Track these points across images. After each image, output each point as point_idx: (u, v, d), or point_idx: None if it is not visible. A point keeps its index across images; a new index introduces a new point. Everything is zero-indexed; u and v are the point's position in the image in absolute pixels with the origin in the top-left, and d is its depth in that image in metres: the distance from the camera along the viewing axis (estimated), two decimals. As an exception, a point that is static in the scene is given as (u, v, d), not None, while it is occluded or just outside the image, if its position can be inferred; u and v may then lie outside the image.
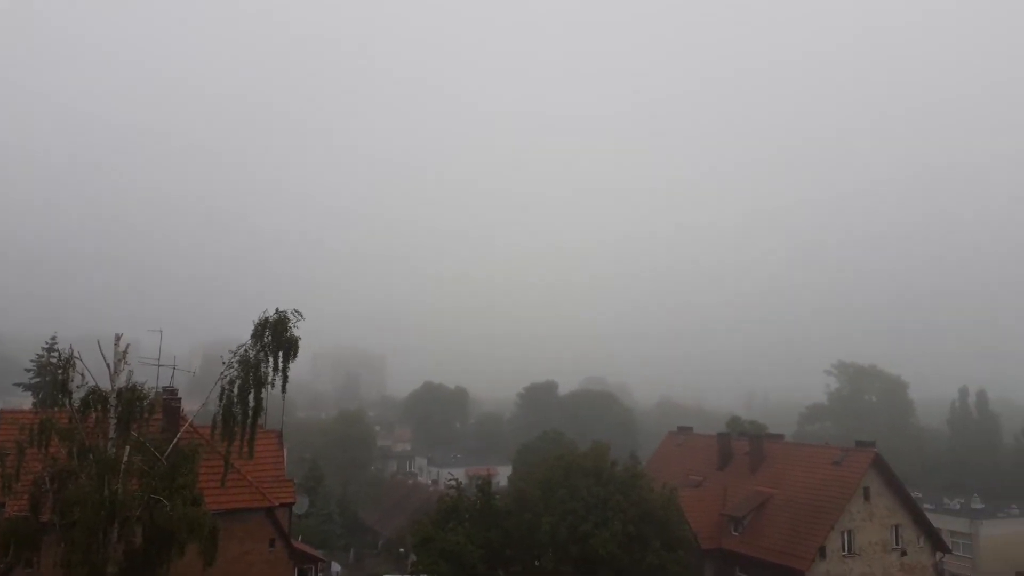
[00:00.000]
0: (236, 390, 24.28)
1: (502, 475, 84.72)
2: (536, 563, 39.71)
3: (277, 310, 24.65)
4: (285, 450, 40.38)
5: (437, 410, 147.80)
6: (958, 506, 71.79)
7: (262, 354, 24.48)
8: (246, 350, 24.44)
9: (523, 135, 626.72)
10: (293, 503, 36.06)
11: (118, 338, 24.56)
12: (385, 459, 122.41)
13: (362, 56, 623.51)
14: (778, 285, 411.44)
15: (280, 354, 24.62)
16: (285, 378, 24.95)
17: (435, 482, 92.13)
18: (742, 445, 54.04)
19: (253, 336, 24.62)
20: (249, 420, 24.19)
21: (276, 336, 24.44)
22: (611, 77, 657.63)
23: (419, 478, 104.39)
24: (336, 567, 60.49)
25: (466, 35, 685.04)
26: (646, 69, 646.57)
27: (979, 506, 71.92)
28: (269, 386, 24.60)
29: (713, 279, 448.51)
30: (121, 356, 24.24)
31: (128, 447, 22.86)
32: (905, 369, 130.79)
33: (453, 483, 44.33)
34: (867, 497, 44.62)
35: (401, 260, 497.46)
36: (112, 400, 23.21)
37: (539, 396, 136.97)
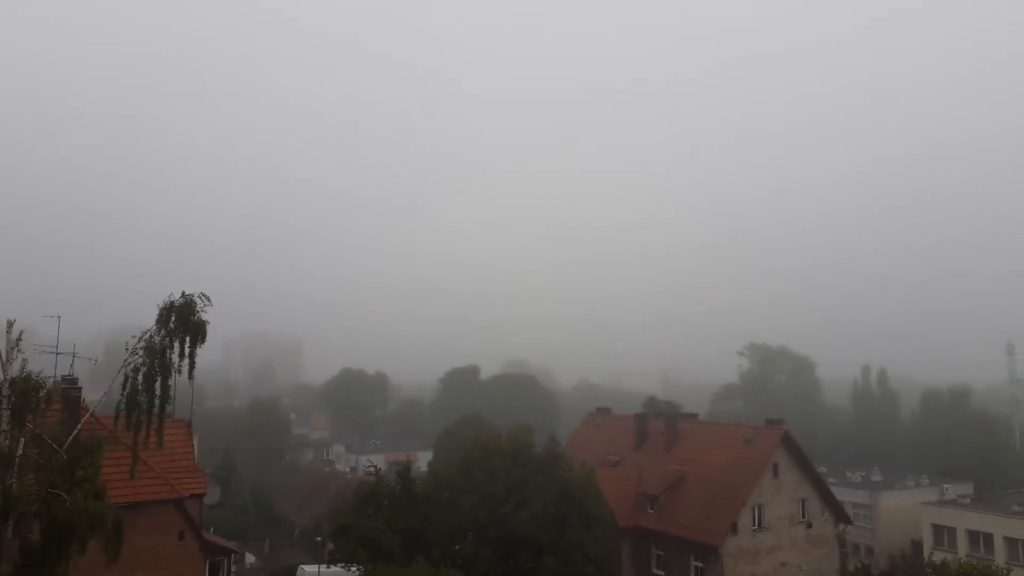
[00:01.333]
0: (141, 378, 23.21)
1: (423, 460, 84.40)
2: (456, 547, 39.68)
3: (183, 293, 23.61)
4: (195, 439, 38.97)
5: (356, 396, 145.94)
6: (860, 479, 75.58)
7: (168, 340, 23.44)
8: (151, 336, 23.34)
9: (470, 115, 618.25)
10: (204, 494, 34.83)
11: (10, 324, 23.08)
12: (301, 447, 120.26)
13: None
14: (695, 270, 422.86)
15: (187, 340, 23.64)
16: (192, 365, 23.97)
17: (353, 469, 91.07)
18: (658, 425, 55.31)
19: (158, 321, 23.52)
20: (156, 409, 23.19)
21: (182, 321, 23.41)
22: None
23: (337, 466, 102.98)
24: (250, 558, 59.10)
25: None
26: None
27: (879, 479, 75.96)
28: (176, 373, 23.63)
29: (637, 266, 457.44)
30: (14, 344, 22.80)
31: (23, 440, 21.54)
32: (812, 349, 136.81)
33: (372, 470, 43.82)
34: (776, 473, 46.38)
35: (318, 237, 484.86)
36: (4, 390, 21.78)
37: (461, 380, 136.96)
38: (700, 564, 43.95)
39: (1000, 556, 55.43)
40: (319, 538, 58.60)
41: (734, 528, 43.67)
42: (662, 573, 46.20)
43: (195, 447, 37.74)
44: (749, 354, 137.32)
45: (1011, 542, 56.84)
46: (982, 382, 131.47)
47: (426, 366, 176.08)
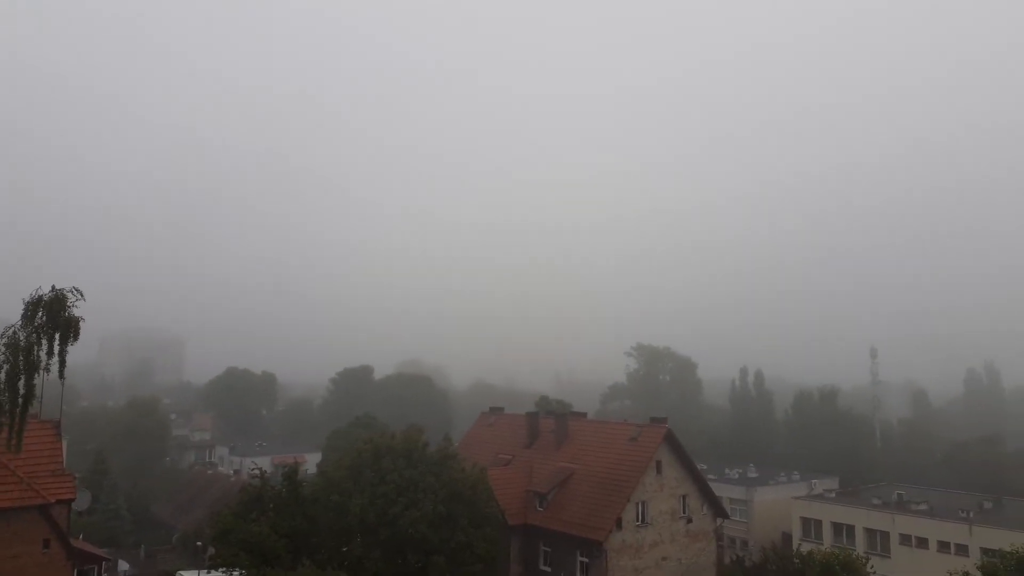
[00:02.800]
0: (3, 376, 21.83)
1: (311, 462, 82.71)
2: (344, 549, 39.14)
3: (53, 287, 22.34)
4: (64, 442, 36.73)
5: (241, 397, 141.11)
6: (737, 476, 79.36)
7: (35, 336, 22.11)
8: (15, 331, 21.99)
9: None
10: (72, 499, 32.91)
11: None
12: (182, 449, 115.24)
13: None
14: (590, 273, 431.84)
15: (57, 336, 22.40)
16: (63, 363, 22.77)
17: (237, 472, 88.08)
18: (549, 423, 56.26)
19: (24, 316, 22.20)
20: (19, 409, 21.83)
21: (52, 316, 22.17)
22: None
23: (220, 468, 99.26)
24: (124, 566, 56.20)
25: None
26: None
27: (754, 475, 79.95)
28: (44, 372, 22.33)
29: (530, 268, 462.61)
30: None
31: None
32: (695, 350, 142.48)
33: (257, 472, 42.59)
34: (659, 470, 48.07)
35: (202, 232, 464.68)
36: None
37: (353, 381, 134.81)
38: (585, 560, 45.03)
39: (860, 546, 59.62)
40: (199, 543, 56.43)
41: (619, 524, 44.99)
42: (549, 569, 47.04)
43: (64, 450, 35.60)
44: (636, 355, 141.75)
45: (870, 532, 61.23)
46: (848, 383, 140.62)
47: (317, 366, 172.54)
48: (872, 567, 42.10)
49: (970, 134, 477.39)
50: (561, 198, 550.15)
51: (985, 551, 50.09)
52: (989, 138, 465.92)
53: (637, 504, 46.58)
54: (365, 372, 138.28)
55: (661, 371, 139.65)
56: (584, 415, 63.14)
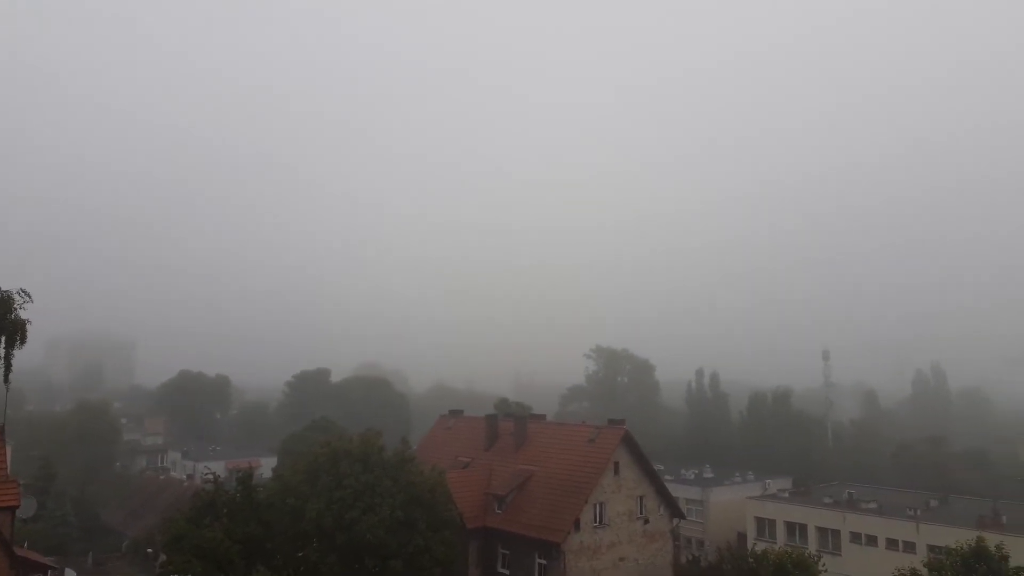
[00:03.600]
0: (-56, 380, 21.10)
1: (267, 467, 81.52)
2: (300, 554, 38.66)
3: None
4: (9, 447, 35.62)
5: (195, 400, 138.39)
6: (693, 476, 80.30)
7: (-22, 339, 21.43)
8: (-43, 334, 21.25)
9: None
10: (16, 506, 31.88)
11: None
12: (133, 454, 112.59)
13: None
14: (551, 276, 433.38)
15: (3, 339, 21.76)
16: (8, 367, 22.16)
17: (190, 477, 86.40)
18: (508, 426, 56.28)
19: (-34, 318, 21.46)
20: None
21: (-3, 318, 21.50)
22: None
23: (172, 473, 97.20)
24: (71, 574, 54.70)
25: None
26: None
27: (710, 476, 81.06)
28: (-13, 375, 21.65)
29: (490, 271, 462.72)
30: None
31: None
32: (652, 352, 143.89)
33: (210, 477, 41.87)
34: (617, 471, 48.43)
35: (154, 231, 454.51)
36: None
37: (310, 384, 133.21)
38: (544, 561, 45.13)
39: (813, 544, 60.78)
40: (150, 550, 55.27)
41: (577, 525, 45.20)
42: (507, 572, 47.04)
43: (8, 455, 34.52)
44: (595, 356, 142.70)
45: (822, 531, 62.47)
46: (801, 385, 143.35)
47: (273, 369, 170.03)
48: (824, 565, 42.83)
49: (917, 148, 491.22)
50: (522, 200, 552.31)
51: (932, 548, 51.45)
52: (941, 151, 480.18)
53: (595, 505, 46.84)
54: (322, 375, 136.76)
55: (620, 373, 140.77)
56: (543, 417, 63.34)
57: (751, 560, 42.70)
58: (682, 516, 55.20)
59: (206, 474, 44.56)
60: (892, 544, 57.49)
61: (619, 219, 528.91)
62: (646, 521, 49.61)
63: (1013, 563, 34.99)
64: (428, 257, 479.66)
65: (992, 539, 37.49)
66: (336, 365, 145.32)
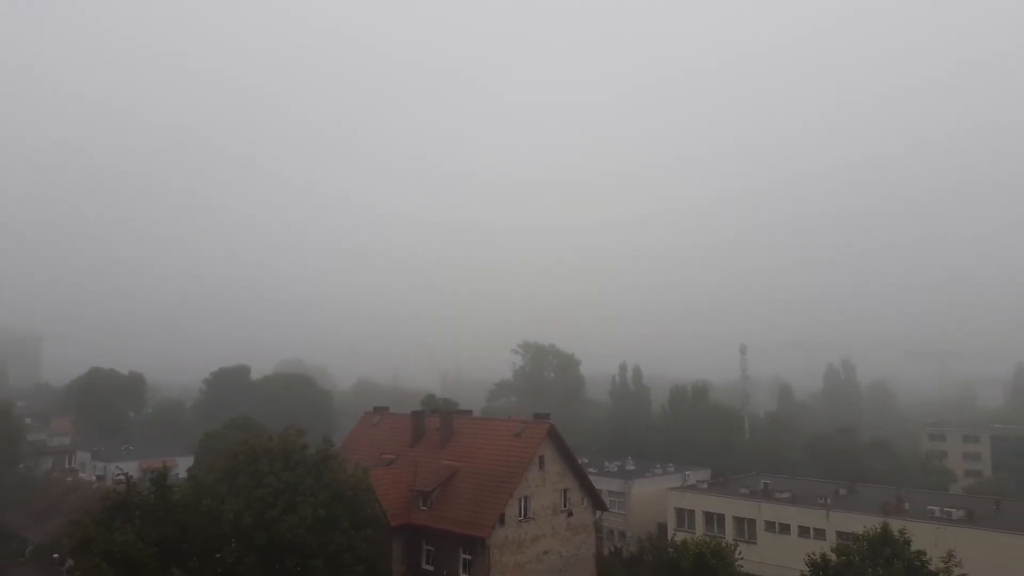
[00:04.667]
0: None
1: (183, 467, 78.90)
2: (217, 555, 37.53)
3: None
4: None
5: (106, 398, 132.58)
6: (616, 469, 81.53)
7: None
8: None
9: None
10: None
11: None
12: (39, 455, 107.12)
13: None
14: (479, 273, 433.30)
15: None
16: None
17: (101, 478, 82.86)
18: (434, 422, 55.98)
19: None
20: None
21: None
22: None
23: (81, 475, 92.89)
24: (-31, 583, 51.76)
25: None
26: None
27: (632, 468, 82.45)
28: None
29: (417, 266, 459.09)
30: None
31: None
32: (578, 347, 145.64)
33: (122, 477, 40.17)
34: (542, 465, 48.77)
35: (61, 217, 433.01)
36: None
37: (228, 381, 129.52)
38: (468, 557, 45.09)
39: (730, 533, 62.63)
40: (56, 555, 52.78)
41: (501, 520, 45.31)
42: (432, 568, 46.83)
43: None
44: (523, 352, 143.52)
45: (739, 521, 64.41)
46: (720, 379, 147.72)
47: (190, 366, 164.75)
48: (740, 554, 44.20)
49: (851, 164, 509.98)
50: (450, 196, 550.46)
51: (841, 534, 53.71)
52: (865, 167, 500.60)
53: (520, 500, 47.06)
54: (242, 372, 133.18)
55: (546, 368, 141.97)
56: (470, 413, 63.28)
57: (671, 550, 43.64)
58: (605, 508, 55.98)
59: (118, 475, 42.67)
60: (804, 532, 59.75)
61: (550, 223, 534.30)
62: (570, 514, 50.14)
63: (915, 547, 36.78)
64: (353, 252, 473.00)
65: (896, 524, 39.35)
66: (256, 362, 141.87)
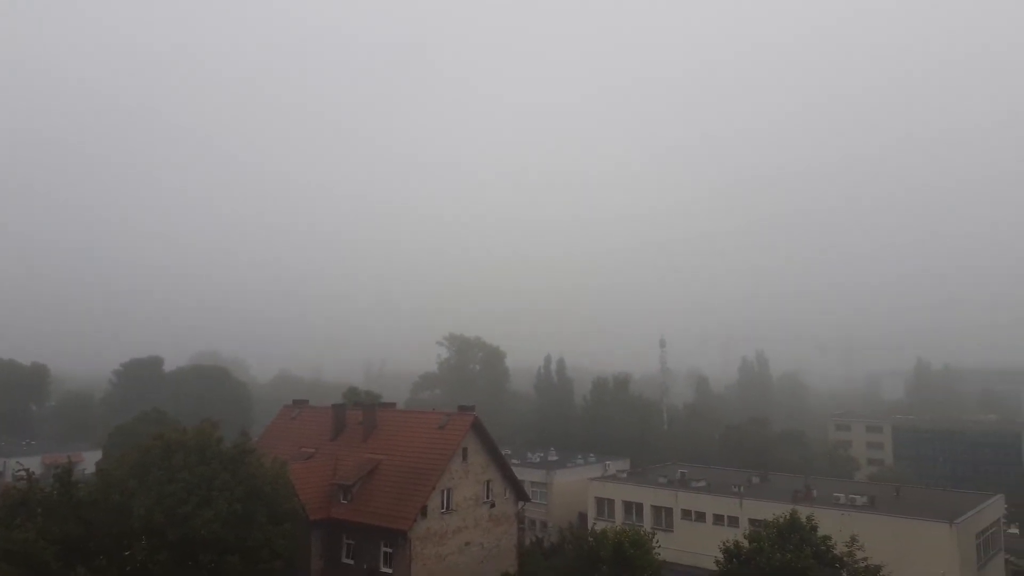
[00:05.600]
0: None
1: (90, 462, 75.80)
2: (126, 553, 36.17)
3: None
4: None
5: (5, 391, 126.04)
6: (538, 459, 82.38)
7: None
8: None
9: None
10: None
11: None
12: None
13: None
14: (404, 265, 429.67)
15: None
16: None
17: (0, 474, 78.70)
18: (356, 415, 55.31)
19: None
20: None
21: None
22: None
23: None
24: None
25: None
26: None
27: (554, 459, 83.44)
28: None
29: (337, 256, 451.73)
30: None
31: None
32: (504, 340, 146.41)
33: (23, 473, 38.30)
34: (465, 457, 48.81)
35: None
36: None
37: (140, 373, 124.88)
38: (389, 550, 44.77)
39: (648, 522, 64.11)
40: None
41: (424, 512, 45.14)
42: (352, 562, 46.29)
43: None
44: (448, 344, 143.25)
45: (657, 509, 65.98)
46: (640, 371, 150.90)
47: (98, 357, 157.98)
48: (657, 542, 45.23)
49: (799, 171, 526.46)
50: (381, 185, 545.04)
51: (753, 522, 55.68)
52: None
53: (443, 491, 47.01)
54: (154, 363, 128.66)
55: (472, 360, 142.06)
56: (393, 405, 62.77)
57: (591, 539, 44.29)
58: (527, 499, 56.48)
59: (18, 471, 40.71)
60: (719, 519, 61.68)
61: (476, 213, 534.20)
62: (492, 505, 50.37)
63: (821, 532, 38.46)
64: (273, 241, 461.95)
65: (804, 511, 41.06)
66: (170, 353, 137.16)
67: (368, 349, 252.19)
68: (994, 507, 61.21)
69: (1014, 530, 77.49)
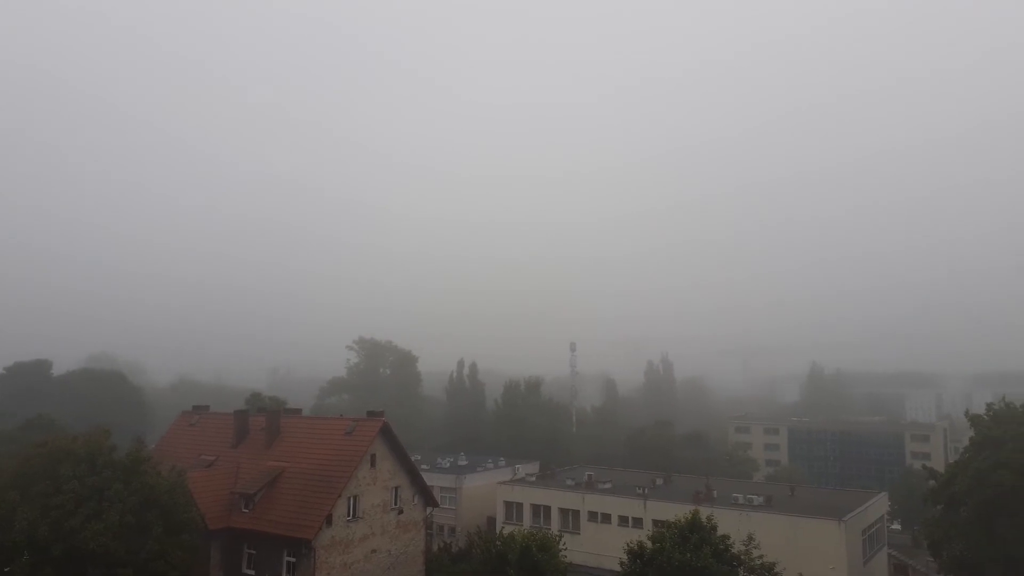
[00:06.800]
0: None
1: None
2: (6, 570, 34.02)
3: None
4: None
5: None
6: (448, 464, 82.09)
7: None
8: None
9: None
10: None
11: None
12: None
13: None
14: (312, 268, 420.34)
15: None
16: None
17: None
18: (260, 421, 53.77)
19: None
20: None
21: None
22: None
23: None
24: None
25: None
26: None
27: (464, 463, 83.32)
28: None
29: (241, 258, 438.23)
30: None
31: None
32: (417, 345, 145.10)
33: None
34: (373, 463, 48.14)
35: None
36: None
37: (26, 377, 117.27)
38: (293, 559, 43.68)
39: (556, 524, 64.89)
40: None
41: (329, 520, 44.25)
42: (253, 572, 44.89)
43: None
44: (358, 348, 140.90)
45: (564, 512, 66.82)
46: (552, 374, 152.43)
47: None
48: (564, 544, 45.87)
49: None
50: (282, 191, 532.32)
51: (656, 522, 57.08)
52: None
53: (349, 499, 46.21)
54: (42, 367, 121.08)
55: (382, 365, 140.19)
56: (299, 411, 61.35)
57: (499, 543, 44.54)
58: (436, 504, 56.16)
59: None
60: (624, 521, 62.97)
61: (389, 217, 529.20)
62: (400, 512, 49.87)
63: (721, 531, 39.82)
64: (174, 240, 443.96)
65: (705, 511, 42.44)
66: (59, 356, 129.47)
67: (274, 354, 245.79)
68: (879, 504, 64.89)
69: (897, 526, 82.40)
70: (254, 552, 45.24)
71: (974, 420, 51.92)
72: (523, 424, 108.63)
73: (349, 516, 46.01)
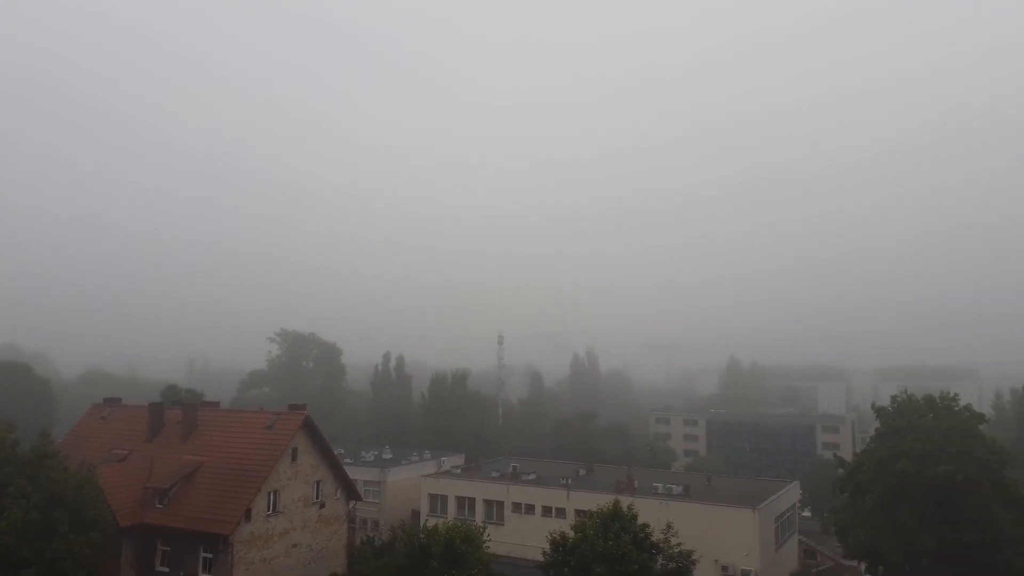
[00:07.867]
0: None
1: None
2: None
3: None
4: None
5: None
6: (372, 458, 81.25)
7: None
8: None
9: None
10: None
11: None
12: None
13: None
14: (234, 258, 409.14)
15: None
16: None
17: None
18: (175, 414, 52.18)
19: None
20: None
21: None
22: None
23: None
24: None
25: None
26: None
27: (389, 456, 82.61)
28: None
29: (157, 242, 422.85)
30: None
31: None
32: (341, 337, 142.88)
33: None
34: (295, 457, 47.34)
35: None
36: None
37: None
38: (209, 555, 42.59)
39: (480, 516, 65.06)
40: None
41: (248, 515, 43.33)
42: (167, 569, 43.60)
43: None
44: (280, 341, 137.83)
45: (489, 503, 67.11)
46: (479, 367, 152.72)
47: None
48: (488, 536, 46.01)
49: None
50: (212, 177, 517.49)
51: (579, 512, 57.92)
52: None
53: (269, 493, 45.37)
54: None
55: (305, 357, 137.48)
56: (217, 404, 59.77)
57: (422, 536, 44.36)
58: (359, 498, 55.65)
59: None
60: (547, 511, 63.68)
61: (315, 211, 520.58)
62: (322, 506, 49.23)
63: (641, 520, 40.72)
64: (86, 228, 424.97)
65: (625, 501, 43.33)
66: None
67: (191, 345, 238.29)
68: (791, 493, 67.53)
69: (807, 513, 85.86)
70: (168, 549, 43.96)
71: (879, 412, 54.26)
72: (450, 416, 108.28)
73: (269, 511, 45.18)
